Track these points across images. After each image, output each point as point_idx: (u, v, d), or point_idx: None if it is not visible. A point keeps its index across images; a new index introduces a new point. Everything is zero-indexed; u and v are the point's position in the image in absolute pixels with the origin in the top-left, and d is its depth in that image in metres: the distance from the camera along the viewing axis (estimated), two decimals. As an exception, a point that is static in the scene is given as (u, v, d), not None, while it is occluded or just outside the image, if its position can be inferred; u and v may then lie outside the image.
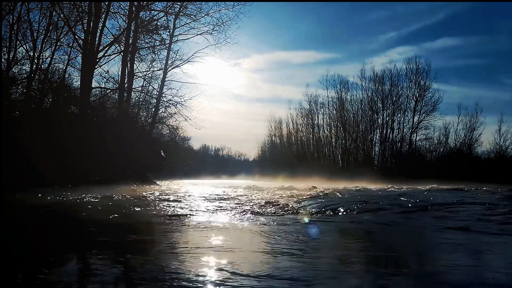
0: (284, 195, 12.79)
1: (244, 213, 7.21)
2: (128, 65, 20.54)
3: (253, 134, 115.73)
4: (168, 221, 6.20)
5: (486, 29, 65.54)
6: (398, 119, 44.99)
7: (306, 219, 6.50)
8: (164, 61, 22.17)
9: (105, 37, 19.81)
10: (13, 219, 6.62)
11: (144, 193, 12.63)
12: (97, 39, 18.66)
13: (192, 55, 22.28)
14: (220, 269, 3.13)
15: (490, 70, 64.14)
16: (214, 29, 21.23)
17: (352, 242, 4.76)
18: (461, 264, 3.51)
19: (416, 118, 44.00)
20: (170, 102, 22.30)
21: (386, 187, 21.99)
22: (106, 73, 20.56)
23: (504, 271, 3.34)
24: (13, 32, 16.56)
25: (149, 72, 22.55)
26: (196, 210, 7.63)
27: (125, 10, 20.34)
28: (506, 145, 42.32)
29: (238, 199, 11.03)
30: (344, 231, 5.57)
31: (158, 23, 21.86)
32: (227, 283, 2.76)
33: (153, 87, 23.16)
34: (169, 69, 22.31)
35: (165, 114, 23.60)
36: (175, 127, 23.79)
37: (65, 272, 3.19)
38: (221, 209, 7.80)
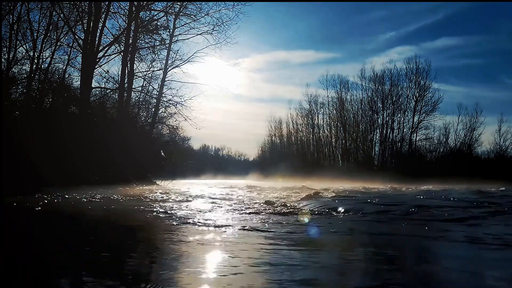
0: (283, 195, 12.79)
1: (243, 212, 7.20)
2: (128, 65, 20.55)
3: (253, 134, 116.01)
4: (168, 221, 6.20)
5: (486, 29, 65.71)
6: (398, 119, 45.08)
7: (306, 219, 6.49)
8: (164, 61, 22.23)
9: (105, 37, 19.85)
10: (12, 219, 6.61)
11: (144, 193, 12.62)
12: (97, 39, 18.67)
13: (192, 55, 22.34)
14: (218, 270, 3.13)
15: (490, 70, 64.30)
16: (214, 29, 21.29)
17: (352, 242, 4.75)
18: (462, 263, 3.50)
19: (416, 118, 44.10)
20: (170, 102, 22.37)
21: (386, 187, 21.98)
22: (106, 73, 20.61)
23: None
24: (13, 32, 16.56)
25: (149, 72, 22.61)
26: (195, 210, 7.63)
27: (125, 10, 20.38)
28: (506, 145, 42.44)
29: (237, 199, 11.03)
30: (344, 231, 5.56)
31: (158, 23, 21.91)
32: (226, 285, 2.75)
33: (153, 87, 23.22)
34: (169, 69, 22.36)
35: (165, 114, 23.68)
36: (175, 127, 23.86)
37: (65, 275, 3.19)
38: (221, 209, 7.79)
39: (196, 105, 22.05)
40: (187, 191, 15.07)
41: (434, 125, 44.17)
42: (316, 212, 7.46)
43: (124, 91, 20.36)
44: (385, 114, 45.79)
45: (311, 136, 53.48)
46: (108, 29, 21.11)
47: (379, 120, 46.12)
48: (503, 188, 18.02)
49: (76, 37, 19.05)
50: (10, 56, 16.45)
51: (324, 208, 7.88)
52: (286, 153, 56.06)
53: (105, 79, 20.97)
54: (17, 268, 3.23)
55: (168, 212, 7.37)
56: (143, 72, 22.26)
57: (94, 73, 19.28)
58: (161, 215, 6.93)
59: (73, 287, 2.87)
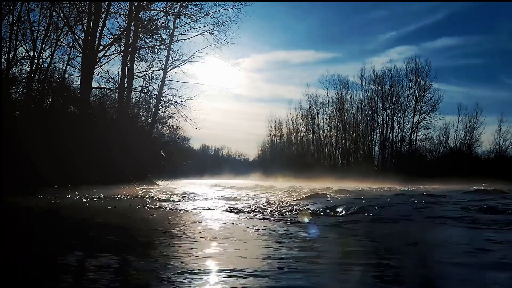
0: (283, 195, 12.79)
1: (243, 212, 7.21)
2: (128, 65, 20.53)
3: (253, 134, 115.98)
4: (167, 221, 6.21)
5: (486, 29, 65.59)
6: (398, 119, 44.96)
7: (306, 219, 6.50)
8: (164, 61, 22.20)
9: (105, 37, 19.81)
10: (12, 219, 6.61)
11: (143, 193, 12.62)
12: (97, 39, 18.65)
13: (192, 55, 22.31)
14: (218, 270, 3.13)
15: (490, 70, 64.18)
16: (214, 29, 21.26)
17: (352, 242, 4.76)
18: (462, 264, 3.51)
19: (416, 118, 43.98)
20: (170, 102, 22.34)
21: (386, 187, 21.99)
22: (106, 73, 20.57)
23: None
24: (13, 32, 16.54)
25: (149, 72, 22.57)
26: (195, 210, 7.63)
27: (125, 10, 20.34)
28: (506, 145, 42.36)
29: (237, 199, 11.03)
30: (343, 231, 5.57)
31: (158, 23, 21.88)
32: (225, 285, 2.75)
33: (153, 87, 23.19)
34: (169, 69, 22.34)
35: (165, 114, 23.64)
36: (175, 127, 23.82)
37: (65, 275, 3.19)
38: (221, 209, 7.80)
39: (196, 105, 22.01)
40: (187, 191, 15.07)
41: (434, 125, 44.02)
42: (316, 212, 7.47)
43: (124, 91, 20.34)
44: (385, 114, 45.76)
45: (311, 136, 53.45)
46: (108, 29, 21.10)
47: (379, 120, 46.08)
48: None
49: (76, 37, 19.05)
50: (10, 56, 16.45)
51: (323, 208, 7.89)
52: (286, 153, 56.02)
53: (105, 79, 20.96)
54: (17, 268, 3.23)
55: (168, 211, 7.37)
56: (143, 72, 22.25)
57: (94, 73, 19.26)
58: (161, 215, 6.94)
59: (73, 287, 2.87)
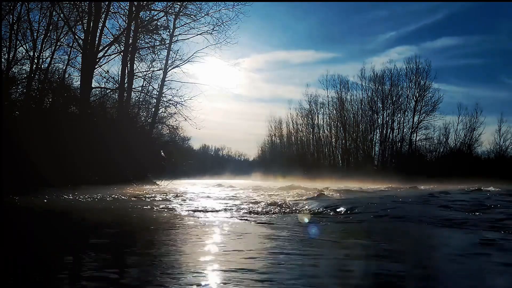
0: (284, 195, 12.79)
1: (243, 212, 7.21)
2: (128, 65, 20.54)
3: (253, 134, 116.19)
4: (167, 221, 6.21)
5: (486, 29, 65.65)
6: (398, 119, 45.00)
7: (306, 219, 6.50)
8: (164, 61, 22.23)
9: (105, 37, 19.83)
10: (12, 219, 6.61)
11: (144, 193, 12.62)
12: (97, 39, 18.66)
13: (192, 55, 22.34)
14: (218, 271, 3.13)
15: (490, 70, 64.24)
16: (214, 29, 21.29)
17: (352, 242, 4.76)
18: (462, 264, 3.51)
19: (416, 118, 44.01)
20: (170, 102, 22.37)
21: (386, 187, 22.00)
22: (106, 73, 20.59)
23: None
24: (13, 32, 16.54)
25: (149, 72, 22.60)
26: (195, 210, 7.63)
27: (125, 10, 20.36)
28: (506, 145, 42.40)
29: (237, 199, 11.03)
30: (344, 231, 5.57)
31: (158, 23, 21.90)
32: (225, 285, 2.75)
33: (153, 87, 23.22)
34: (169, 69, 22.36)
35: (165, 114, 23.68)
36: (175, 127, 23.86)
37: (65, 275, 3.19)
38: (220, 209, 7.80)
39: (196, 105, 22.07)
40: (187, 192, 15.08)
41: (434, 125, 44.05)
42: (316, 212, 7.47)
43: (124, 91, 20.35)
44: (385, 114, 45.79)
45: (311, 136, 53.50)
46: (108, 29, 21.11)
47: (379, 120, 46.12)
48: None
49: (76, 37, 19.05)
50: (10, 56, 16.44)
51: (323, 208, 7.89)
52: (286, 153, 56.07)
53: (105, 79, 20.98)
54: (17, 268, 3.23)
55: (169, 211, 7.37)
56: (143, 72, 22.27)
57: (94, 73, 19.27)
58: (161, 215, 6.94)
59: (73, 287, 2.87)
